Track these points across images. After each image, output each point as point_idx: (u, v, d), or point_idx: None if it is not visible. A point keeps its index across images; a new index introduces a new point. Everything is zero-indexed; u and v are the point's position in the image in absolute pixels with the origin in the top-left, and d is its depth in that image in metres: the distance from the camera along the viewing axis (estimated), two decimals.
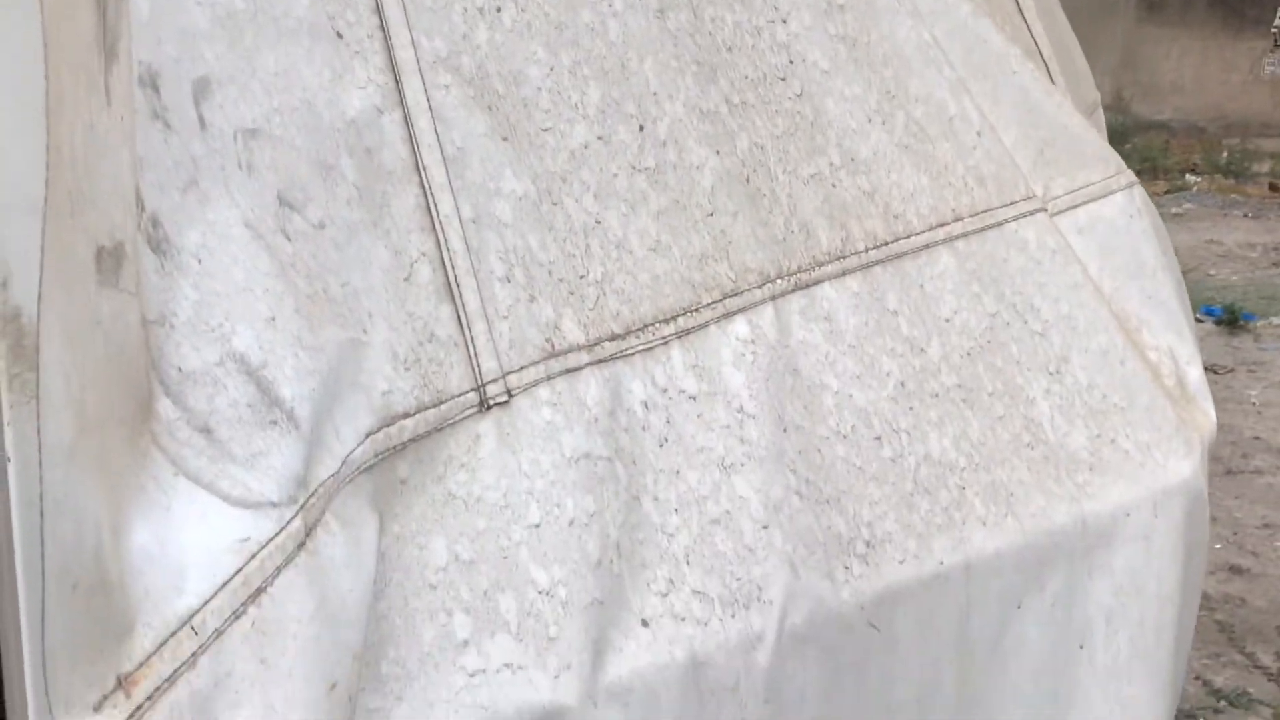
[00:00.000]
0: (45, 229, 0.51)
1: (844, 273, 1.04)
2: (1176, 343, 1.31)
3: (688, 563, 0.87)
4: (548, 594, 0.79)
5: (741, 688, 0.87)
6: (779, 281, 0.99)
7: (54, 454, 0.50)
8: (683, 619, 0.85)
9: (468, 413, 0.81)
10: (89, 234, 0.55)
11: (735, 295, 0.95)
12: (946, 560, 1.02)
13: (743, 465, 0.92)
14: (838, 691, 0.95)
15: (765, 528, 0.91)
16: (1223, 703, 2.08)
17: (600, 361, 0.87)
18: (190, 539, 0.60)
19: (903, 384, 1.05)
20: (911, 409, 1.04)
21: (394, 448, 0.77)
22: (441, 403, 0.80)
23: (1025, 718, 1.10)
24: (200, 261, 0.67)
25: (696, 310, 0.93)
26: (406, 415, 0.78)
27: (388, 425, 0.77)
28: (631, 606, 0.84)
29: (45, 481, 0.49)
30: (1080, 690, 1.14)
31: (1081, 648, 1.14)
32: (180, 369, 0.64)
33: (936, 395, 1.07)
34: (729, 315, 0.95)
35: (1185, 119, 5.89)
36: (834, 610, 0.93)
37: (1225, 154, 5.56)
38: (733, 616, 0.88)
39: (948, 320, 1.10)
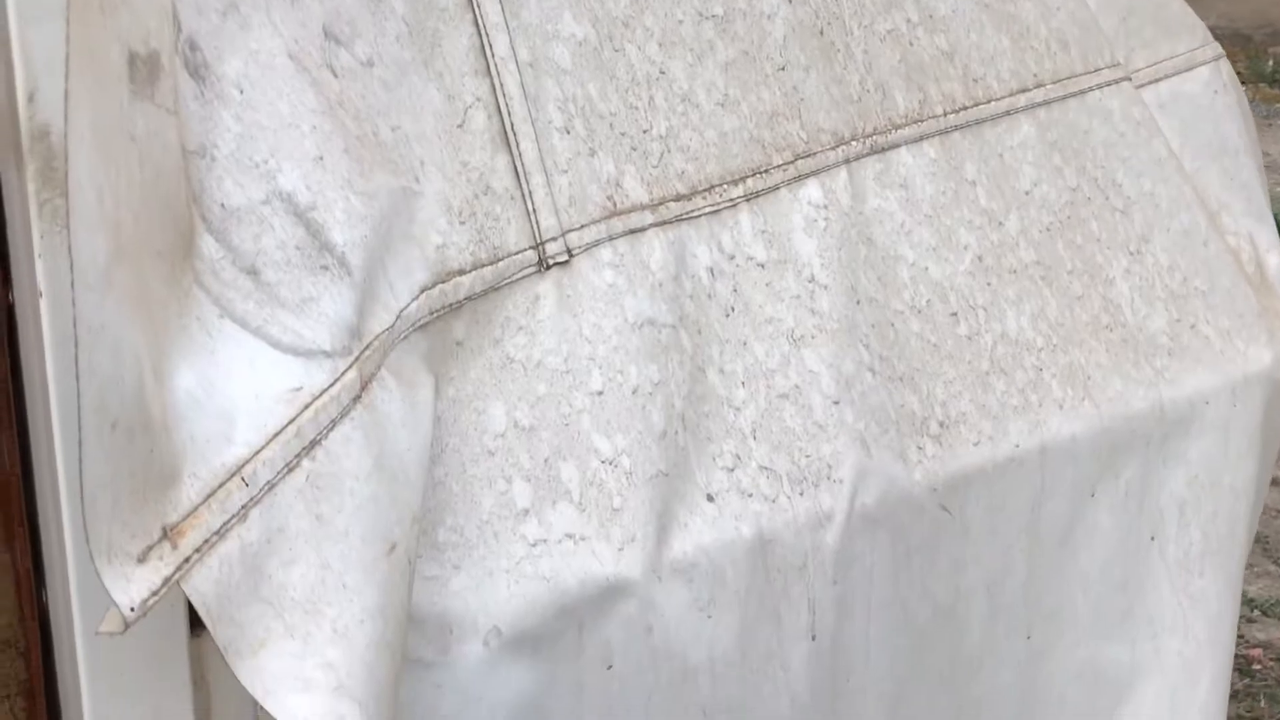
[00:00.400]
0: (70, 28, 0.46)
1: (921, 137, 0.97)
2: (1256, 228, 1.23)
3: (754, 438, 0.83)
4: (611, 464, 0.75)
5: (809, 567, 0.83)
6: (853, 144, 0.92)
7: (87, 275, 0.45)
8: (749, 495, 0.81)
9: (526, 272, 0.76)
10: (121, 37, 0.49)
11: (807, 157, 0.89)
12: (1022, 444, 0.97)
13: (813, 338, 0.86)
14: (906, 575, 0.90)
15: (836, 403, 0.86)
16: (1256, 612, 2.04)
17: (664, 223, 0.81)
18: (238, 386, 0.55)
19: (980, 258, 0.98)
20: (989, 285, 0.98)
21: (449, 306, 0.72)
22: (498, 260, 0.75)
23: (1093, 608, 1.06)
24: (242, 92, 0.61)
25: (766, 172, 0.87)
26: (462, 272, 0.73)
27: (443, 282, 0.72)
28: (696, 481, 0.79)
29: (79, 305, 0.44)
30: (1150, 582, 1.09)
31: (1153, 539, 1.09)
32: (224, 205, 0.58)
33: (1014, 272, 1.01)
34: (800, 178, 0.88)
35: (1231, 26, 5.69)
36: (906, 491, 0.89)
37: (1271, 62, 5.38)
38: (801, 494, 0.83)
39: (1027, 193, 1.04)
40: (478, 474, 0.71)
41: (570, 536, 0.73)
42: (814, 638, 0.84)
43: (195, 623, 0.63)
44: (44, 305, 0.54)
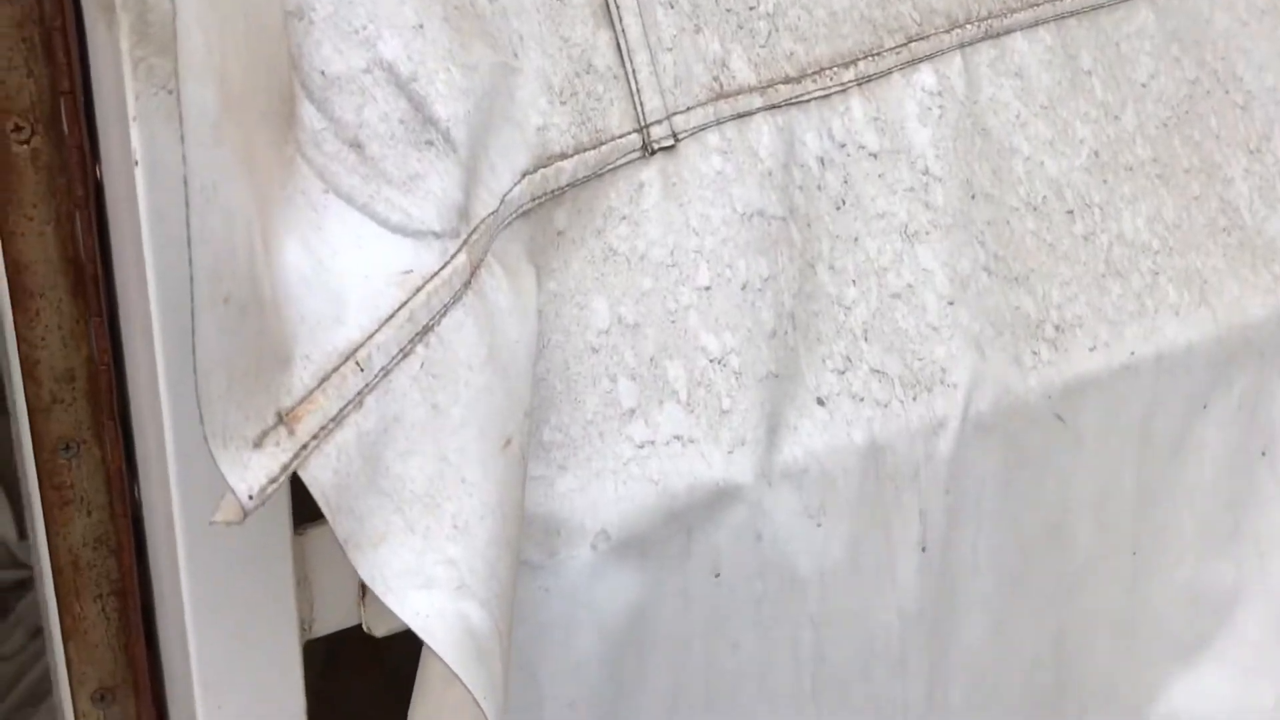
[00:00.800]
0: None
1: (1036, 23, 0.90)
2: None
3: (866, 339, 0.78)
4: (719, 363, 0.71)
5: (922, 476, 0.79)
6: (968, 28, 0.86)
7: (199, 129, 0.41)
8: (861, 399, 0.77)
9: (630, 157, 0.71)
10: None
11: (921, 40, 0.83)
12: (1138, 350, 0.92)
13: (927, 234, 0.81)
14: (1016, 486, 0.86)
15: (951, 304, 0.81)
16: None
17: (773, 107, 0.76)
18: (346, 265, 0.51)
19: (1096, 153, 0.93)
20: (1105, 182, 0.93)
21: (551, 193, 0.67)
22: (601, 144, 0.70)
23: (1199, 525, 1.01)
24: None
25: (878, 54, 0.81)
26: (564, 156, 0.68)
27: (544, 166, 0.67)
28: (806, 383, 0.75)
29: (190, 163, 0.40)
30: (1259, 498, 1.04)
31: (1264, 454, 1.04)
32: (324, 73, 0.54)
33: (1130, 169, 0.95)
34: (914, 63, 0.83)
35: None
36: (1020, 398, 0.84)
37: None
38: (914, 399, 0.79)
39: (1144, 85, 0.97)
40: (581, 372, 0.67)
41: (678, 438, 0.69)
42: (924, 549, 0.80)
43: (298, 520, 0.60)
44: (140, 176, 0.50)
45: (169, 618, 0.62)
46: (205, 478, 0.55)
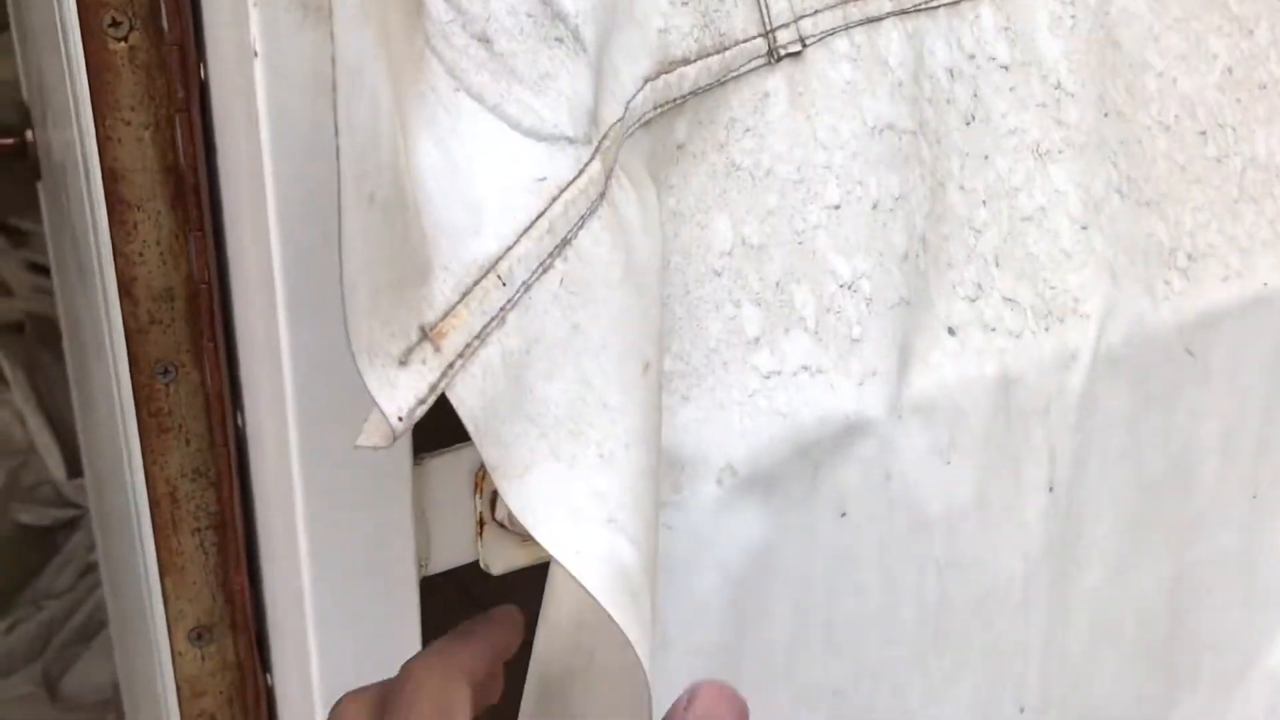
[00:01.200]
0: None
1: None
2: None
3: (997, 265, 0.73)
4: (849, 288, 0.66)
5: (1052, 411, 0.74)
6: None
7: (346, 5, 0.36)
8: (993, 329, 0.72)
9: (754, 63, 0.66)
10: None
11: None
12: (1270, 282, 0.86)
13: (1060, 153, 0.76)
14: (1144, 423, 0.81)
15: (1084, 229, 0.76)
16: None
17: (903, 12, 0.71)
18: (481, 169, 0.47)
19: (1229, 70, 0.86)
20: (1238, 101, 0.87)
21: (672, 101, 0.62)
22: (725, 49, 0.65)
23: None
24: None
25: None
26: (686, 61, 0.63)
27: (666, 72, 0.62)
28: (937, 311, 0.70)
29: (338, 44, 0.36)
30: None
31: None
32: None
33: (1264, 87, 0.89)
34: None
35: None
36: (1152, 330, 0.79)
37: None
38: (1046, 330, 0.74)
39: None
40: (703, 296, 0.63)
41: (806, 369, 0.64)
42: (1051, 490, 0.76)
43: (417, 449, 0.56)
44: (259, 70, 0.45)
45: (274, 553, 0.59)
46: (323, 402, 0.51)
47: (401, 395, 0.39)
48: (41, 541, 2.46)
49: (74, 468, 2.46)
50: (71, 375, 1.62)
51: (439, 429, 0.53)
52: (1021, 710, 0.80)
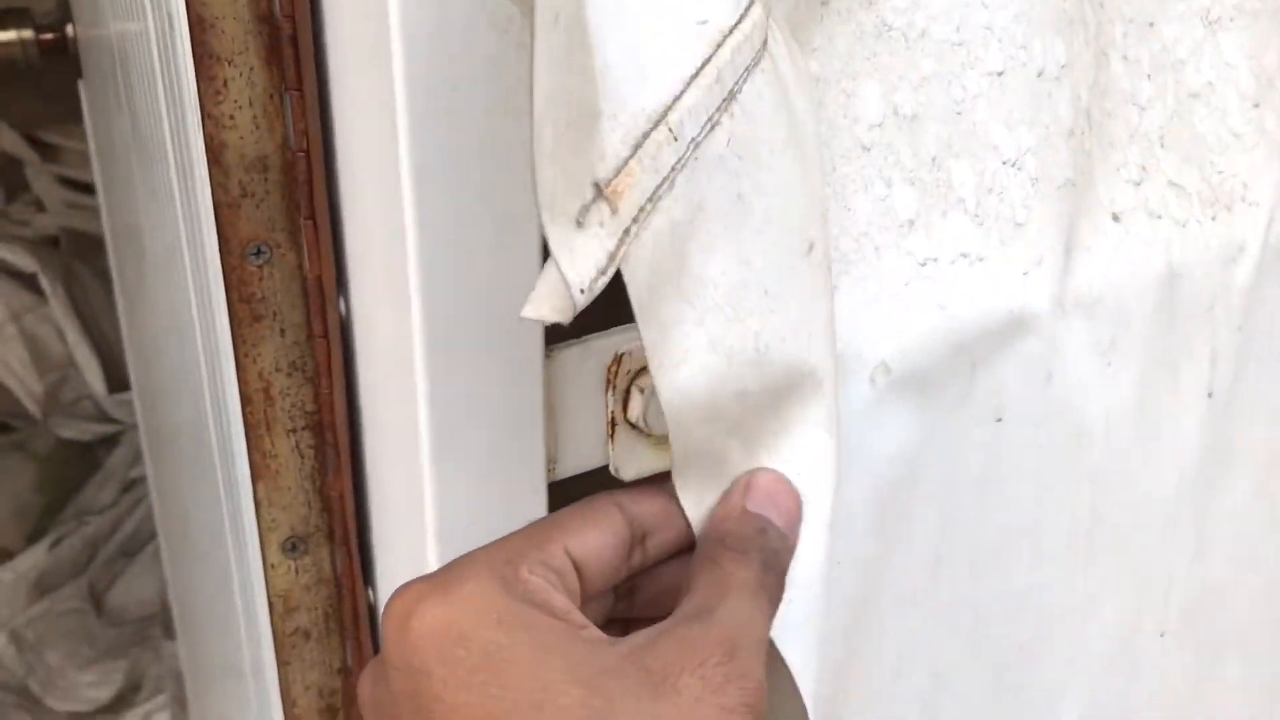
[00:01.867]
0: None
1: None
2: None
3: (1162, 145, 0.66)
4: (1013, 165, 0.59)
5: (1216, 309, 0.67)
6: None
7: None
8: (1158, 217, 0.65)
9: None
10: None
11: None
12: None
13: (1231, 21, 0.68)
14: None
15: (1255, 106, 0.68)
16: None
17: None
18: (643, 6, 0.40)
19: None
20: None
21: None
22: None
23: None
24: None
25: None
26: None
27: None
28: (1100, 195, 0.63)
29: None
30: None
31: None
32: None
33: None
34: None
35: None
36: None
37: None
38: (1213, 219, 0.67)
39: None
40: (850, 174, 0.56)
41: (965, 256, 0.58)
42: (1210, 395, 0.69)
43: (547, 338, 0.49)
44: None
45: (382, 456, 0.53)
46: (450, 285, 0.45)
47: (581, 263, 0.33)
48: (83, 457, 2.44)
49: (114, 383, 2.43)
50: (118, 288, 1.56)
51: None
52: (1162, 635, 0.75)
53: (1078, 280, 0.61)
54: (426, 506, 0.47)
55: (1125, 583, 0.69)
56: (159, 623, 2.21)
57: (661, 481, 0.44)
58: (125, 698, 2.15)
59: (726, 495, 0.43)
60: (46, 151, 2.51)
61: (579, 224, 0.34)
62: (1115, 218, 0.63)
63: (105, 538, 2.42)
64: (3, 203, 2.57)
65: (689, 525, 0.43)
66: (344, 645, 0.60)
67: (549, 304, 0.33)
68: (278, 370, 0.54)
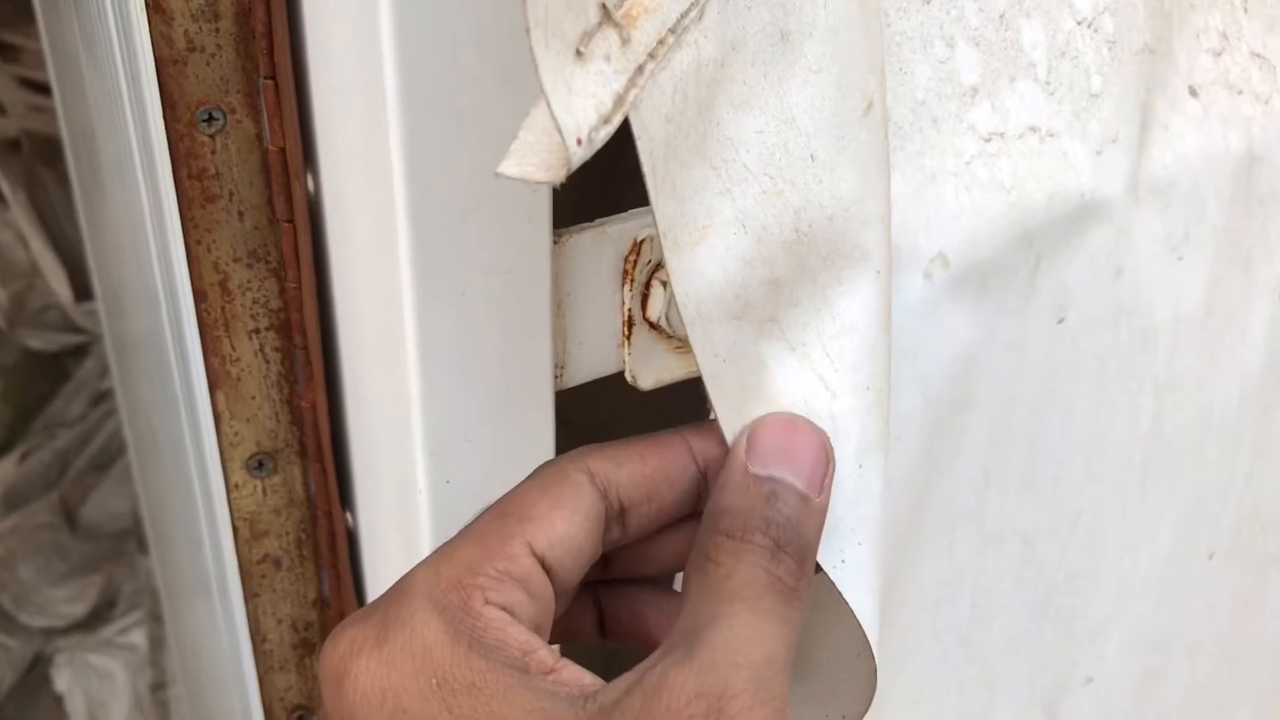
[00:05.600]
0: None
1: None
2: None
3: (1245, 10, 0.58)
4: (1090, 26, 0.51)
5: None
6: None
7: None
8: (1239, 92, 0.57)
9: None
10: None
11: None
12: None
13: None
14: None
15: None
16: None
17: None
18: None
19: None
20: None
21: None
22: None
23: None
24: None
25: None
26: None
27: None
28: (1178, 65, 0.55)
29: None
30: None
31: None
32: None
33: None
34: None
35: None
36: None
37: None
38: None
39: None
40: (907, 31, 0.48)
41: (1035, 130, 0.50)
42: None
43: (558, 221, 0.42)
44: None
45: (360, 359, 0.45)
46: (444, 160, 0.37)
47: (580, 106, 0.25)
48: (51, 368, 2.36)
49: (81, 291, 2.34)
50: (77, 191, 1.47)
51: (578, 196, 0.39)
52: (1211, 556, 0.69)
53: (1154, 163, 0.53)
54: (413, 420, 0.40)
55: (1178, 504, 0.63)
56: (133, 537, 2.15)
57: (644, 439, 0.36)
58: (100, 613, 2.10)
59: (730, 455, 0.34)
60: (6, 52, 2.39)
61: (579, 54, 0.26)
62: (1193, 92, 0.55)
63: (76, 451, 2.36)
64: None
65: (676, 489, 0.34)
66: (319, 574, 0.53)
67: (536, 157, 0.26)
68: (236, 260, 0.46)
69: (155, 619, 2.03)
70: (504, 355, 0.41)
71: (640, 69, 0.28)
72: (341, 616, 0.53)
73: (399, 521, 0.45)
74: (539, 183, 0.27)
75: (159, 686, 2.01)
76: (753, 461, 0.33)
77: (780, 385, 0.36)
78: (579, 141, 0.27)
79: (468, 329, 0.40)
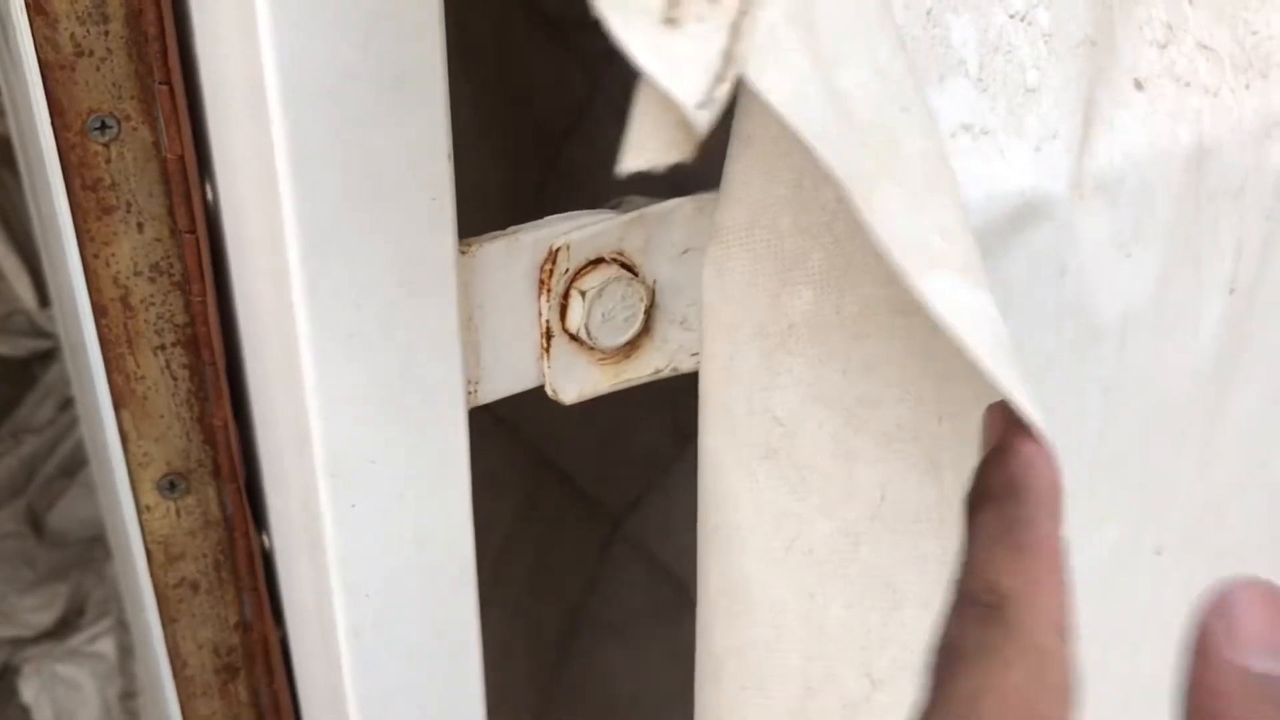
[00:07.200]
0: None
1: None
2: None
3: (1192, 2, 0.56)
4: (1022, 20, 0.49)
5: (1247, 192, 0.59)
6: None
7: None
8: (1186, 84, 0.56)
9: None
10: None
11: None
12: None
13: None
14: None
15: None
16: None
17: None
18: None
19: None
20: None
21: None
22: None
23: None
24: None
25: None
26: None
27: None
28: (1122, 58, 0.54)
29: None
30: None
31: None
32: None
33: None
34: None
35: None
36: None
37: None
38: (1247, 88, 0.58)
39: None
40: None
41: (968, 128, 0.48)
42: (1232, 291, 0.61)
43: (464, 230, 0.40)
44: None
45: (268, 376, 0.43)
46: (334, 161, 0.35)
47: (689, 71, 0.23)
48: (18, 373, 2.33)
49: (46, 295, 2.31)
50: (29, 194, 1.45)
51: (486, 206, 0.37)
52: (1159, 553, 0.67)
53: (1099, 159, 0.52)
54: (314, 441, 0.38)
55: (1127, 500, 0.62)
56: (102, 544, 2.12)
57: None
58: (69, 621, 2.07)
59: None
60: None
61: (670, 21, 0.24)
62: (1138, 85, 0.54)
63: (43, 457, 2.33)
64: None
65: None
66: (240, 597, 0.51)
67: (657, 140, 0.23)
68: (137, 274, 0.44)
69: (124, 627, 2.00)
70: (407, 372, 0.39)
71: (738, 20, 0.26)
72: (264, 640, 0.51)
73: (308, 544, 0.43)
74: (669, 164, 0.24)
75: (128, 695, 1.98)
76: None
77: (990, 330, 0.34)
78: (700, 106, 0.24)
79: (365, 346, 0.38)
